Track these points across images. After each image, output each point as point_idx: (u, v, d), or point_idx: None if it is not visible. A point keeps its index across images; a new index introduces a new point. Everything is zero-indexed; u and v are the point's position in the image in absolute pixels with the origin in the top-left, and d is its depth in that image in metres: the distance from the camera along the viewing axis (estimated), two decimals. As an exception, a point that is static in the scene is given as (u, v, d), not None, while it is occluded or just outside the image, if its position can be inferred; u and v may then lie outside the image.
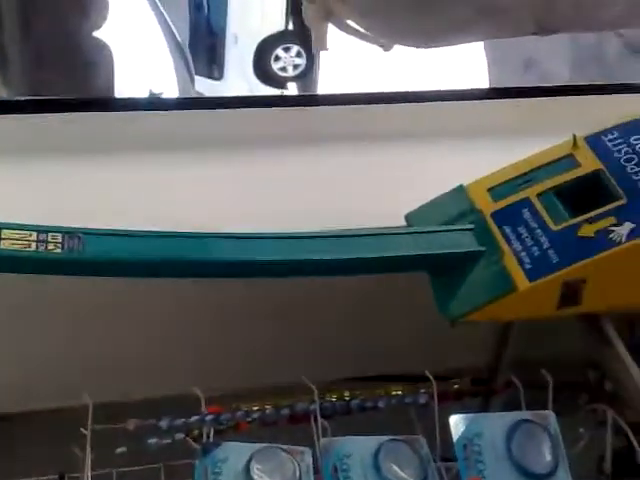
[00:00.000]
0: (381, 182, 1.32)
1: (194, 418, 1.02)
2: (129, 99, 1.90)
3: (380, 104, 1.40)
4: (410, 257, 1.05)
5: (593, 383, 1.24)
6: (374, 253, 1.04)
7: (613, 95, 1.61)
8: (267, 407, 1.04)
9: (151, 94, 3.21)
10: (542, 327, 1.15)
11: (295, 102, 1.40)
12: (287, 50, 5.42)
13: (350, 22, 1.16)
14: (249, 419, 1.05)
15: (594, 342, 1.11)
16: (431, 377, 1.08)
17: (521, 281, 1.01)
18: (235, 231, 0.99)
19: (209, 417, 1.03)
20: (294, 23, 5.21)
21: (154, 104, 1.74)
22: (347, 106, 1.41)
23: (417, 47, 1.15)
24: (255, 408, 1.03)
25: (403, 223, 1.17)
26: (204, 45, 5.31)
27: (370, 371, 1.30)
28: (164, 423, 1.01)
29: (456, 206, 1.14)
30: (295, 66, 5.48)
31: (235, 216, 1.21)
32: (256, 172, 1.33)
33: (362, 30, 1.16)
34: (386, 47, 1.13)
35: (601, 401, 1.19)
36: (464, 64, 3.35)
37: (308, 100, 1.43)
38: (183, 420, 1.02)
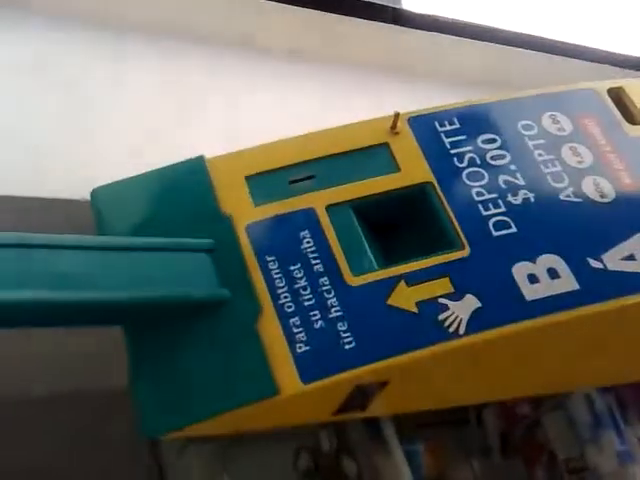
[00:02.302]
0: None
1: None
2: None
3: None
4: (63, 304, 0.53)
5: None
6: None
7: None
8: None
9: None
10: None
11: None
12: None
13: None
14: None
15: (365, 443, 0.72)
16: None
17: (288, 380, 0.56)
18: None
19: None
20: None
21: None
22: None
23: None
24: None
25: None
26: None
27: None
28: None
29: (186, 196, 0.65)
30: None
31: None
32: None
33: None
34: None
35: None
36: None
37: None
38: None
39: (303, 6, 1.05)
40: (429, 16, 1.15)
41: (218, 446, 0.69)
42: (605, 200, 0.66)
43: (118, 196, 0.64)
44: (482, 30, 1.18)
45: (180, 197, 0.64)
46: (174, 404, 0.56)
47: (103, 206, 0.64)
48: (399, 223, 0.66)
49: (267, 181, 0.65)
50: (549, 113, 0.72)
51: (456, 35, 1.16)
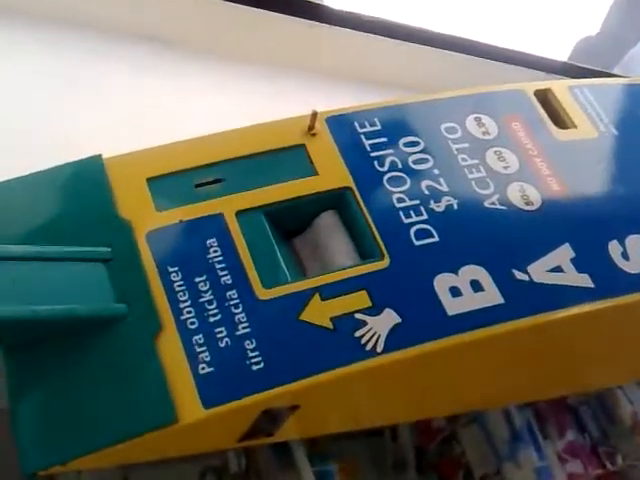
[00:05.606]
0: None
1: None
2: None
3: None
4: None
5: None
6: None
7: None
8: None
9: None
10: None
11: None
12: None
13: None
14: None
15: (273, 464, 0.67)
16: None
17: (188, 406, 0.51)
18: None
19: None
20: None
21: None
22: None
23: None
24: None
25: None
26: None
27: None
28: None
29: (80, 199, 0.59)
30: None
31: None
32: None
33: None
34: None
35: None
36: None
37: None
38: None
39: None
40: (351, 13, 1.11)
41: (116, 468, 0.63)
42: (531, 208, 0.63)
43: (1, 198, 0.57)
44: (405, 30, 1.14)
45: (73, 200, 0.58)
46: (57, 435, 0.50)
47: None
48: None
49: (171, 184, 0.59)
50: (474, 115, 0.68)
51: (377, 34, 1.12)
